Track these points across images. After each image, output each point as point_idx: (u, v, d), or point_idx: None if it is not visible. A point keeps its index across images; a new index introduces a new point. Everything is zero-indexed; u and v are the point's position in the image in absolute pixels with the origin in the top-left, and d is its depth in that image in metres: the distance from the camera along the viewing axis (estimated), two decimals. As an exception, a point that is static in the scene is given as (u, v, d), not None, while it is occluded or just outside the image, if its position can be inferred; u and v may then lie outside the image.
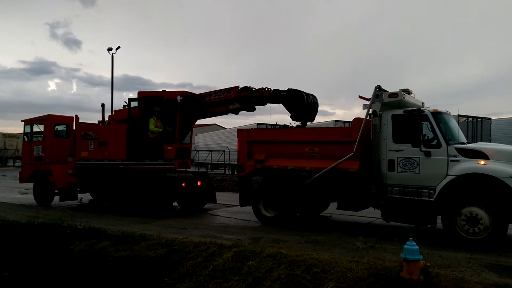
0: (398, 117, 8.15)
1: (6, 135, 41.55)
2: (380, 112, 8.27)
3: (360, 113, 11.66)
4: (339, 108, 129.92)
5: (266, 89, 10.81)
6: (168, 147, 11.25)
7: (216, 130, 43.93)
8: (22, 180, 14.19)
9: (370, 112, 8.34)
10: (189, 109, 11.64)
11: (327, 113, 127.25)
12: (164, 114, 11.50)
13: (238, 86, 11.13)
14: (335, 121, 24.23)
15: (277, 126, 23.29)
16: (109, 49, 31.40)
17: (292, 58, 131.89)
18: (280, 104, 10.83)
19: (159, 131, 11.44)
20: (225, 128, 42.78)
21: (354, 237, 7.65)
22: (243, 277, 5.61)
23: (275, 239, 7.89)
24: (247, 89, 10.96)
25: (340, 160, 8.41)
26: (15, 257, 7.52)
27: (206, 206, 12.62)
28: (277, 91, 10.67)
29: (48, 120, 13.54)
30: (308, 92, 10.64)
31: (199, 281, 5.77)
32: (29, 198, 14.39)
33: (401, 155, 7.98)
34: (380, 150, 8.24)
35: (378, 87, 8.34)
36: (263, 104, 11.14)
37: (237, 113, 11.80)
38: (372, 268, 5.15)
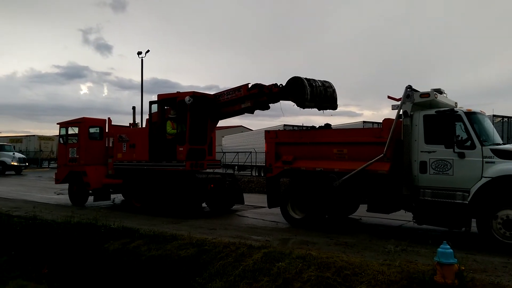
0: (430, 117, 7.98)
1: (42, 138, 43.21)
2: (411, 113, 8.13)
3: (389, 113, 11.46)
4: (367, 109, 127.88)
5: (277, 85, 10.38)
6: (180, 148, 11.34)
7: (242, 131, 44.22)
8: (57, 181, 14.75)
9: (401, 112, 8.21)
10: (202, 109, 11.57)
11: (354, 114, 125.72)
12: (178, 115, 11.62)
13: (248, 84, 10.89)
14: (364, 122, 23.99)
15: (303, 127, 23.27)
16: (139, 53, 32.24)
17: (318, 59, 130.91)
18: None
19: (174, 133, 11.59)
20: (252, 130, 42.98)
21: (385, 240, 7.55)
22: (273, 278, 5.65)
23: (304, 241, 7.88)
24: (256, 86, 10.68)
25: (370, 162, 8.31)
26: (53, 255, 7.84)
27: (234, 207, 12.73)
28: (282, 86, 10.24)
29: (82, 123, 14.01)
30: (319, 79, 10.17)
31: (230, 281, 5.85)
32: (65, 199, 14.93)
33: (434, 156, 7.81)
34: (412, 151, 8.09)
35: (409, 87, 8.20)
36: (275, 101, 10.78)
37: (252, 112, 11.51)
38: (405, 271, 5.08)
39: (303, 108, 10.02)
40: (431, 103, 8.26)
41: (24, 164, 33.13)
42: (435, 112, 7.93)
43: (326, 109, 10.49)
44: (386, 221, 10.16)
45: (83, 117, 14.23)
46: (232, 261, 6.33)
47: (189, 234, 7.80)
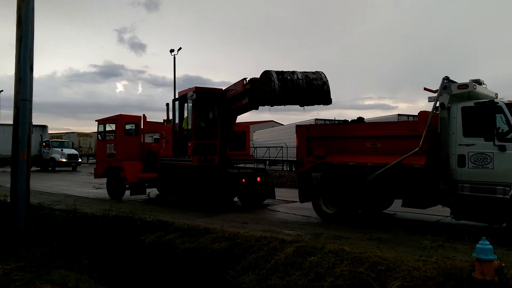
0: (469, 109, 7.68)
1: (80, 135, 44.96)
2: (449, 105, 7.86)
3: (425, 106, 11.01)
4: (402, 101, 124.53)
5: None
6: (188, 144, 11.55)
7: (273, 126, 44.19)
8: (96, 175, 15.34)
9: (437, 105, 7.95)
10: (208, 104, 11.63)
11: (389, 107, 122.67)
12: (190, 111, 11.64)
13: (244, 79, 10.39)
14: (398, 115, 23.37)
15: (336, 121, 22.93)
16: (171, 51, 32.82)
17: (351, 52, 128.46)
18: None
19: (188, 128, 11.70)
20: (283, 124, 42.88)
21: (421, 236, 7.35)
22: (305, 272, 5.65)
23: (337, 235, 7.81)
24: (250, 81, 10.23)
25: (405, 156, 8.10)
26: (93, 246, 8.16)
27: (266, 201, 12.77)
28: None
29: (119, 120, 14.44)
30: (306, 71, 9.36)
31: (262, 274, 5.90)
32: (103, 193, 15.50)
33: (473, 149, 7.52)
34: (449, 144, 7.82)
35: (446, 78, 7.92)
36: None
37: (255, 108, 11.00)
38: (441, 267, 4.94)
39: (272, 106, 9.23)
40: (470, 94, 7.95)
41: (74, 161, 32.70)
42: (474, 103, 7.62)
43: (312, 104, 9.58)
44: (422, 216, 9.89)
45: (120, 114, 14.67)
46: (264, 255, 6.36)
47: (221, 228, 7.91)
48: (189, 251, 7.09)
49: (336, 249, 6.05)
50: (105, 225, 8.93)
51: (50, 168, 32.19)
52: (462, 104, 7.81)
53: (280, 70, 9.27)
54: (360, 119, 10.22)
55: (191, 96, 11.09)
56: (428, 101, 8.26)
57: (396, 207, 9.93)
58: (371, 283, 5.05)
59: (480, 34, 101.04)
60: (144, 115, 14.60)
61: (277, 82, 8.94)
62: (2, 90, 64.82)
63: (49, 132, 35.52)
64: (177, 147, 12.27)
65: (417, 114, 8.66)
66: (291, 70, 9.38)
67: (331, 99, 9.66)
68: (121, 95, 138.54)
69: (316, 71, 9.68)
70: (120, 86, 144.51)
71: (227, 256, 6.61)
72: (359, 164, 9.01)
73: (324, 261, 5.76)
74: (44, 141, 32.67)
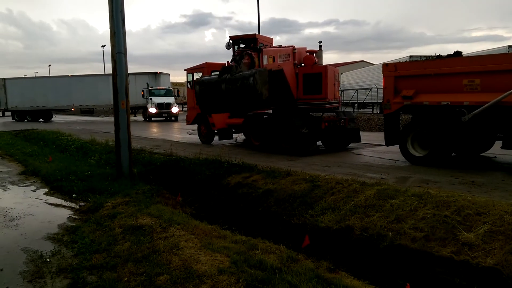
0: None
1: (175, 84, 47.74)
2: None
3: (542, 34, 9.45)
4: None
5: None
6: None
7: (363, 67, 41.96)
8: (188, 122, 16.40)
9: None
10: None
11: (501, 38, 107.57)
12: None
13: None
14: (509, 46, 20.48)
15: (430, 57, 20.88)
16: (255, -6, 32.08)
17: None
18: None
19: None
20: (373, 64, 40.47)
21: (521, 180, 6.68)
22: (385, 214, 5.56)
23: (424, 179, 7.45)
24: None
25: (508, 92, 7.23)
26: (186, 185, 8.95)
27: (350, 145, 12.54)
28: None
29: (205, 68, 14.93)
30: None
31: (341, 214, 5.95)
32: (195, 138, 16.59)
33: None
34: None
35: None
36: None
37: None
38: (540, 213, 4.48)
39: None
40: None
41: (166, 111, 30.33)
42: None
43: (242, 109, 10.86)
44: (528, 160, 8.90)
45: (206, 62, 15.16)
46: (343, 197, 6.38)
47: (302, 171, 8.03)
48: (271, 191, 7.39)
49: (420, 192, 5.82)
50: (196, 167, 9.68)
51: (147, 119, 32.00)
52: None
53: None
54: (457, 53, 9.21)
55: (228, 45, 11.53)
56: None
57: (497, 149, 9.03)
58: (456, 226, 4.80)
59: None
60: (228, 62, 14.84)
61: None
62: (104, 45, 71.02)
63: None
64: None
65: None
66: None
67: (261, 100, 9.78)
68: (210, 43, 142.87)
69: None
70: (208, 35, 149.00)
71: (306, 197, 6.76)
72: (454, 104, 8.28)
73: (406, 204, 5.59)
74: (142, 90, 31.57)
